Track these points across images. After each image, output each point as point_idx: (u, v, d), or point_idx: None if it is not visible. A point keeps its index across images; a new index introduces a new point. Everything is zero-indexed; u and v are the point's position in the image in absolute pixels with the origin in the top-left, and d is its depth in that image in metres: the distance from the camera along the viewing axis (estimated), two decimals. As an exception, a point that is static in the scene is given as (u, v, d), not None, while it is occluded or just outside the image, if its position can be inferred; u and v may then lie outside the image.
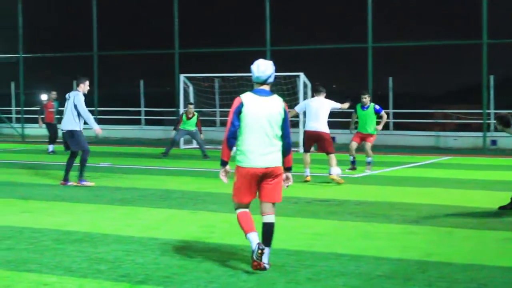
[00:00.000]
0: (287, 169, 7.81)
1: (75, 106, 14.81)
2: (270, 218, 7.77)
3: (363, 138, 18.30)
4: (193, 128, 21.90)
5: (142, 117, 34.17)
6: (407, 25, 40.01)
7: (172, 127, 22.51)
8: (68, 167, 15.01)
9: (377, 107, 18.16)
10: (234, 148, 7.78)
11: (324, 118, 16.06)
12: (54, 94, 24.09)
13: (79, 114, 14.76)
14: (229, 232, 9.88)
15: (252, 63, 7.77)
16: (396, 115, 30.87)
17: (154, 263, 7.98)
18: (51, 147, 23.71)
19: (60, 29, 40.23)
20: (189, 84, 27.31)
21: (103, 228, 10.03)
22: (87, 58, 31.11)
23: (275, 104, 7.63)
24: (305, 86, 25.44)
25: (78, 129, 14.88)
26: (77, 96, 14.91)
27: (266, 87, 7.71)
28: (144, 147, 26.16)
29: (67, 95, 15.20)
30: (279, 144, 7.68)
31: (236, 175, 7.80)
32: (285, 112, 7.70)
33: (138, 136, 31.22)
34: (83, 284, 7.15)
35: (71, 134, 14.93)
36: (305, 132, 16.48)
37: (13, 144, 27.97)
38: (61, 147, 22.14)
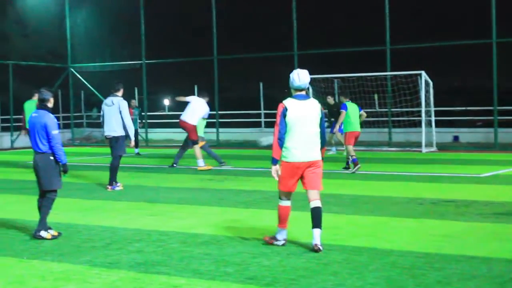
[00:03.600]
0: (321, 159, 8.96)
1: (121, 112, 15.10)
2: (316, 203, 8.79)
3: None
4: None
5: (262, 119, 34.39)
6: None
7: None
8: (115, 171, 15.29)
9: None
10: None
11: None
12: (134, 102, 25.70)
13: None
14: (354, 233, 9.78)
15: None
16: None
17: (280, 265, 7.98)
18: (136, 150, 25.34)
19: (180, 35, 41.02)
20: (308, 85, 27.26)
21: (228, 231, 10.11)
22: (208, 62, 31.57)
23: (314, 106, 8.78)
24: (427, 84, 24.94)
25: (123, 134, 15.26)
26: (123, 102, 15.19)
27: (304, 92, 8.85)
28: (265, 150, 26.27)
29: (108, 101, 15.40)
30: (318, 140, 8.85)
31: (281, 169, 8.81)
32: (322, 112, 8.90)
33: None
34: (211, 286, 7.21)
35: (116, 140, 15.21)
36: None
37: (142, 149, 28.67)
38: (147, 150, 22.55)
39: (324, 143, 8.94)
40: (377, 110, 29.63)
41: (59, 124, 10.34)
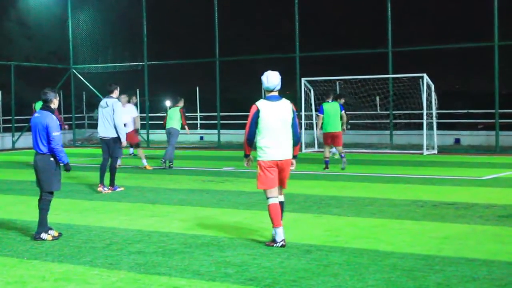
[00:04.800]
0: (294, 157, 9.35)
1: (113, 113, 15.08)
2: (281, 198, 9.36)
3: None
4: None
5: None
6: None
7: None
8: (104, 172, 15.21)
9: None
10: None
11: None
12: (133, 98, 25.16)
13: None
14: (355, 235, 9.78)
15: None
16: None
17: (280, 266, 7.98)
18: (131, 150, 25.03)
19: (184, 36, 41.05)
20: (310, 87, 27.29)
21: (229, 232, 10.11)
22: (210, 64, 31.58)
23: (286, 107, 9.14)
24: (428, 87, 24.95)
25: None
26: (116, 104, 15.18)
27: (276, 93, 9.21)
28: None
29: (103, 102, 15.39)
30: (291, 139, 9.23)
31: (259, 168, 9.20)
32: (294, 112, 9.25)
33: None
34: (212, 287, 7.22)
35: (114, 141, 15.18)
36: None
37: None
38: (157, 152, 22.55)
39: (297, 142, 9.33)
40: (378, 112, 29.66)
41: (60, 125, 10.29)
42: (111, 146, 15.25)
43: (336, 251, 8.73)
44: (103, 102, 15.39)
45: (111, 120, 15.15)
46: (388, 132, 28.53)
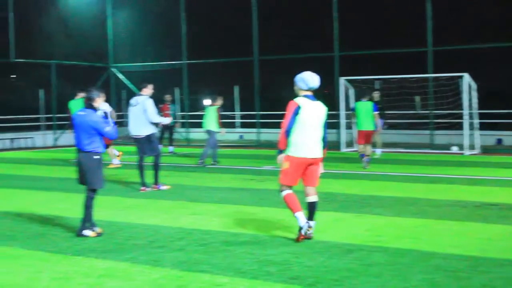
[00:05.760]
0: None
1: (146, 111, 14.92)
2: (314, 198, 9.47)
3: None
4: None
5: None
6: None
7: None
8: (142, 171, 15.16)
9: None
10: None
11: None
12: (169, 97, 25.47)
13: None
14: (397, 235, 9.71)
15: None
16: None
17: (323, 266, 7.96)
18: (171, 149, 25.48)
19: (223, 35, 41.11)
20: (349, 86, 27.19)
21: (270, 231, 10.12)
22: (248, 63, 31.62)
23: (322, 108, 9.41)
24: (470, 87, 24.69)
25: (153, 132, 15.13)
26: (147, 101, 15.04)
27: (311, 93, 9.41)
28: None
29: (133, 100, 15.31)
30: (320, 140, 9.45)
31: (288, 163, 9.35)
32: (327, 116, 9.52)
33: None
34: (254, 285, 7.22)
35: (148, 139, 15.07)
36: None
37: (179, 148, 28.83)
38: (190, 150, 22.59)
39: (325, 144, 9.53)
40: (418, 112, 29.42)
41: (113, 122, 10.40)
42: (145, 145, 15.14)
43: (378, 251, 8.68)
44: (133, 100, 15.33)
45: (141, 118, 15.01)
46: (428, 132, 28.28)
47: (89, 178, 10.00)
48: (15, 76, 48.28)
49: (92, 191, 10.08)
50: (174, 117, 25.92)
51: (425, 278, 7.37)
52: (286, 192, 9.43)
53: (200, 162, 20.59)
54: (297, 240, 9.25)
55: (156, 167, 15.20)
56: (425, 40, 26.90)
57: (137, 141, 15.27)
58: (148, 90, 15.29)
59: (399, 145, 27.28)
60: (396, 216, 11.35)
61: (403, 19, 35.71)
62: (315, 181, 9.49)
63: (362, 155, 19.39)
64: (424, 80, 27.01)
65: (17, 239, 9.85)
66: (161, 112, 24.83)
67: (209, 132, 20.65)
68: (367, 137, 19.51)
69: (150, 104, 15.07)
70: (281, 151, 9.46)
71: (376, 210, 11.92)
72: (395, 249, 8.81)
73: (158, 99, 23.76)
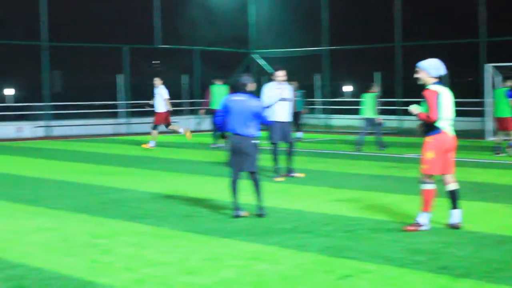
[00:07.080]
0: None
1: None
2: (455, 185, 9.31)
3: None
4: None
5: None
6: None
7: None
8: (276, 158, 14.86)
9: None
10: None
11: None
12: (295, 83, 24.90)
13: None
14: (551, 228, 9.33)
15: None
16: None
17: (473, 256, 7.74)
18: (298, 134, 24.90)
19: (364, 21, 40.69)
20: (495, 74, 26.30)
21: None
22: (390, 49, 31.21)
23: (450, 93, 9.38)
24: None
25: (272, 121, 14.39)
26: (266, 86, 14.81)
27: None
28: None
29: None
30: None
31: (433, 147, 9.18)
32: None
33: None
34: (402, 273, 7.11)
35: (288, 125, 14.90)
36: None
37: (318, 134, 28.82)
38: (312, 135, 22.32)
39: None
40: None
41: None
42: (285, 129, 14.85)
43: (532, 243, 8.37)
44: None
45: (284, 104, 14.78)
46: None
47: (249, 161, 10.18)
48: (158, 61, 49.60)
49: (255, 174, 10.29)
50: (302, 104, 25.86)
51: None
52: (428, 186, 9.26)
53: (357, 148, 21.08)
54: (405, 229, 9.17)
55: (289, 154, 15.03)
56: None
57: (276, 126, 14.81)
58: (280, 76, 14.80)
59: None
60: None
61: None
62: (452, 168, 9.33)
63: (511, 144, 18.86)
64: None
65: (167, 220, 10.14)
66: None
67: (367, 119, 21.04)
68: (500, 123, 19.35)
69: (266, 90, 14.72)
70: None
71: (523, 201, 11.49)
72: (550, 242, 8.47)
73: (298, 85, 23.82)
